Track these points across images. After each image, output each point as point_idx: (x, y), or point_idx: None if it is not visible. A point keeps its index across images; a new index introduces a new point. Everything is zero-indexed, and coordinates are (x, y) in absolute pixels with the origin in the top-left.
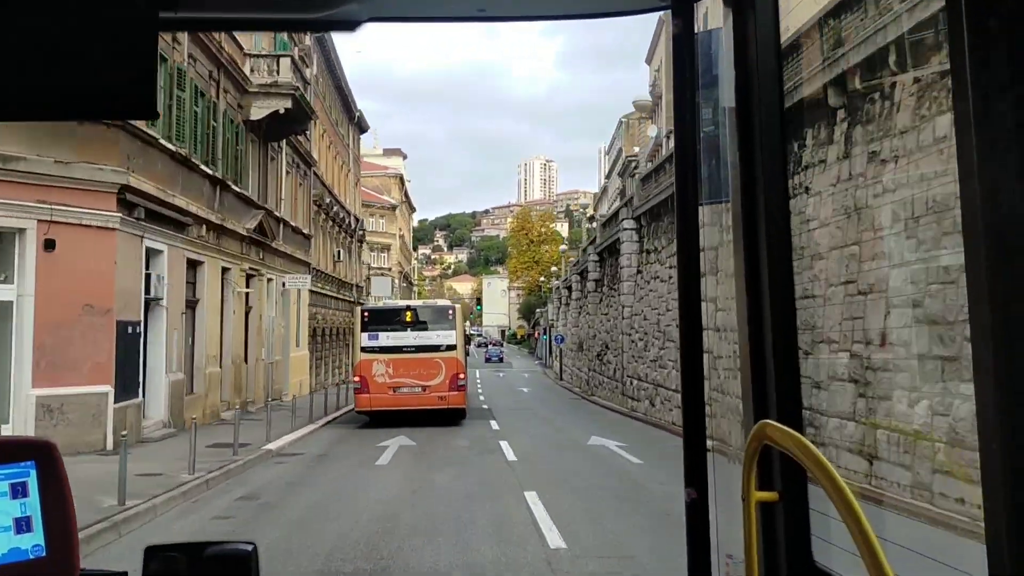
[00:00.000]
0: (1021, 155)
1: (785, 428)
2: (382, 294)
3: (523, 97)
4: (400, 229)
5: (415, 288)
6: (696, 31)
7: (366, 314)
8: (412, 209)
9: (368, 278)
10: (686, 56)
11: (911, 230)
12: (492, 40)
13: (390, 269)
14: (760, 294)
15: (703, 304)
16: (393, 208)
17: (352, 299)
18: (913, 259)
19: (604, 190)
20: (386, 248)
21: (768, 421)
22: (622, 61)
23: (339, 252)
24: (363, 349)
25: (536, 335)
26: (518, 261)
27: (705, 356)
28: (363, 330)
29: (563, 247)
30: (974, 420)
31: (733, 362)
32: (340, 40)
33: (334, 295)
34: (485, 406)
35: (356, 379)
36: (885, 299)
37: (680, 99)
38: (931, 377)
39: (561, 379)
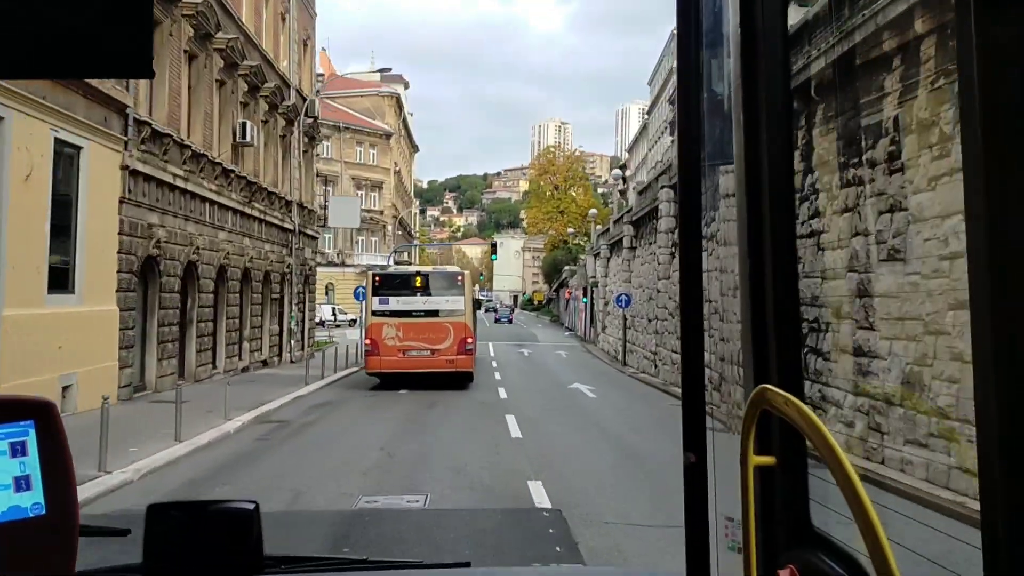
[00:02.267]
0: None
1: (784, 393)
2: (345, 224)
3: (537, 62)
4: (396, 164)
5: (416, 241)
6: None
7: (377, 279)
8: (414, 147)
9: (326, 202)
10: (691, 13)
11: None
12: (506, 3)
13: (382, 212)
14: (762, 257)
15: (704, 270)
16: (387, 136)
17: (290, 226)
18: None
19: (644, 127)
20: (378, 186)
21: (767, 386)
22: (637, 26)
23: (245, 126)
24: (374, 313)
25: (566, 296)
26: (539, 211)
27: (705, 317)
28: (374, 294)
29: (616, 171)
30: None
31: (734, 324)
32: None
33: (238, 206)
34: (534, 484)
35: (367, 342)
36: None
37: (684, 58)
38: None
39: (625, 363)
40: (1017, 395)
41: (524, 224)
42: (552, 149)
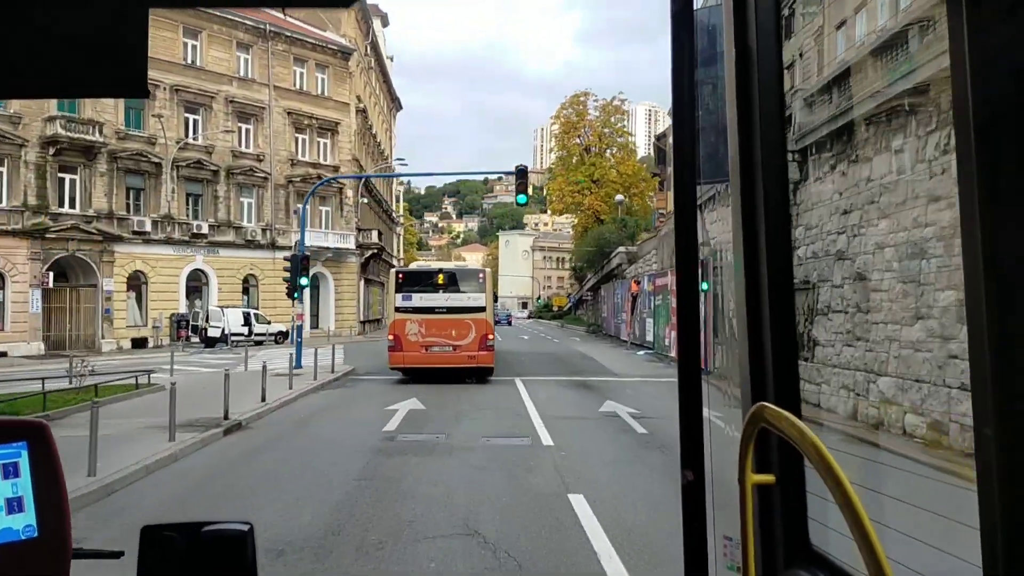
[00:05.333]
0: (1019, 148)
1: (782, 411)
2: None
3: (538, 74)
4: (359, 101)
5: (399, 224)
6: (695, 7)
7: (400, 276)
8: (395, 102)
9: None
10: (684, 32)
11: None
12: (507, 15)
13: (337, 169)
14: (758, 275)
15: (700, 288)
16: (344, 55)
17: None
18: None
19: None
20: (330, 128)
21: (765, 404)
22: (636, 37)
23: None
24: (397, 309)
25: (631, 291)
26: (564, 180)
27: (702, 336)
28: (397, 291)
29: None
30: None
31: (731, 343)
32: None
33: None
34: None
35: (390, 337)
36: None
37: (678, 76)
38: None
39: None
40: (1015, 406)
41: (546, 204)
42: (581, 97)
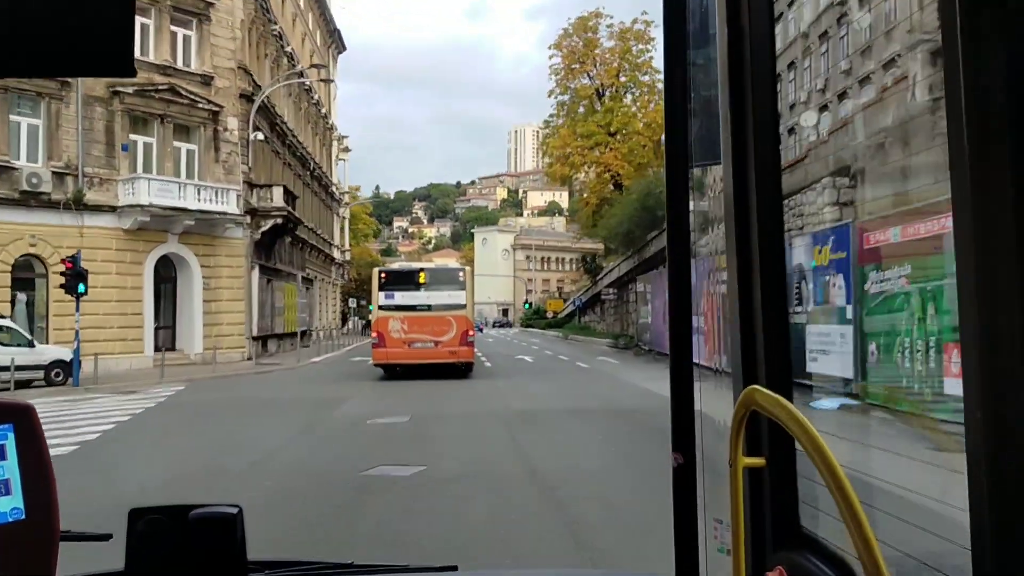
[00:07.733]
0: (1014, 147)
1: (772, 394)
2: None
3: (509, 81)
4: None
5: (342, 204)
6: None
7: (383, 275)
8: (335, 38)
9: None
10: (676, 13)
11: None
12: (476, 23)
13: (209, 83)
14: (750, 257)
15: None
16: None
17: None
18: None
19: None
20: (196, 11)
21: (756, 386)
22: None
23: None
24: (380, 307)
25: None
26: (569, 134)
27: (694, 319)
28: (380, 289)
29: None
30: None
31: (723, 325)
32: None
33: None
34: None
35: (374, 334)
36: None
37: (671, 58)
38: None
39: None
40: (1004, 385)
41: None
42: (590, 21)
